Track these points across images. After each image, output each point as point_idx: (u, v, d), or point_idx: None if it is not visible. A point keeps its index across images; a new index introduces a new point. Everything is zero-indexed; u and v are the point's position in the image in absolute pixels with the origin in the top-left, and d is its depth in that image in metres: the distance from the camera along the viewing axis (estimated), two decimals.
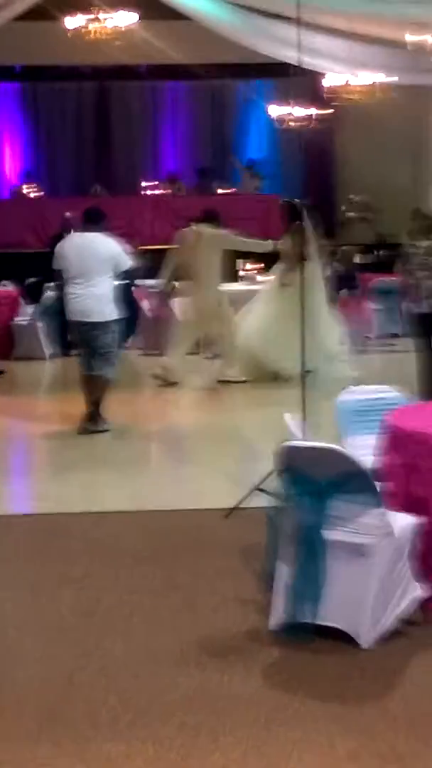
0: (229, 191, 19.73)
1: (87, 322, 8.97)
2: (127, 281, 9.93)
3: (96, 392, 9.09)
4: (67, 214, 14.06)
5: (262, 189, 20.11)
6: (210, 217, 11.72)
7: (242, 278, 14.45)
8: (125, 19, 12.90)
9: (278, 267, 11.76)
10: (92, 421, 9.02)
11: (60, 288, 10.42)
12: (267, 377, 11.13)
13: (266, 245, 12.00)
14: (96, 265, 8.94)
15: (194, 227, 11.61)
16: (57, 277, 9.75)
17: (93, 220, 9.33)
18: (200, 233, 11.47)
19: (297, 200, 11.69)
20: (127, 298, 10.00)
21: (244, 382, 11.37)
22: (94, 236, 9.12)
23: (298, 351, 8.02)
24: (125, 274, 9.48)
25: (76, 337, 9.53)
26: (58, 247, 9.40)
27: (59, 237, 13.90)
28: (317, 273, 11.39)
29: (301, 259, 10.19)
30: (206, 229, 11.47)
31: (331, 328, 11.43)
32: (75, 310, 9.06)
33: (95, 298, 8.93)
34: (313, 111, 15.62)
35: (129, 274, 9.67)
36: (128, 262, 9.18)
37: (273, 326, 11.10)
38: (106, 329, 9.00)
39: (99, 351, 9.02)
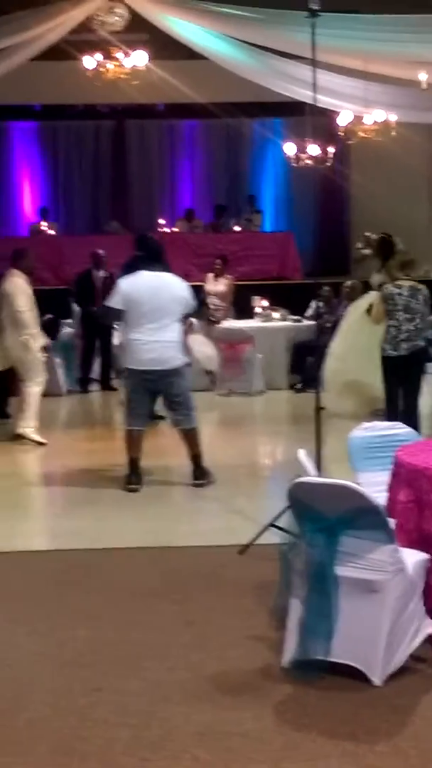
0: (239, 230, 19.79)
1: (159, 371, 8.23)
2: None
3: (192, 446, 8.47)
4: (100, 251, 14.09)
5: (261, 226, 20.24)
6: (15, 257, 10.49)
7: (257, 314, 14.52)
8: (142, 58, 13.07)
9: (367, 299, 10.73)
10: (199, 476, 8.45)
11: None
12: (369, 407, 10.38)
13: (26, 324, 10.20)
14: (171, 306, 8.23)
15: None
16: (111, 315, 8.64)
17: (158, 257, 8.54)
18: (6, 276, 10.42)
19: (391, 235, 10.90)
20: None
21: (42, 444, 10.15)
22: (168, 276, 8.44)
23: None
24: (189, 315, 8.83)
25: (139, 387, 8.36)
26: (127, 285, 8.29)
27: (87, 274, 14.07)
28: None
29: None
30: (11, 270, 10.40)
31: None
32: (144, 358, 8.22)
33: (169, 344, 8.26)
34: (327, 149, 15.76)
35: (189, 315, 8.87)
36: (194, 302, 8.60)
37: (371, 352, 9.91)
38: (181, 374, 8.37)
39: (175, 399, 8.38)
